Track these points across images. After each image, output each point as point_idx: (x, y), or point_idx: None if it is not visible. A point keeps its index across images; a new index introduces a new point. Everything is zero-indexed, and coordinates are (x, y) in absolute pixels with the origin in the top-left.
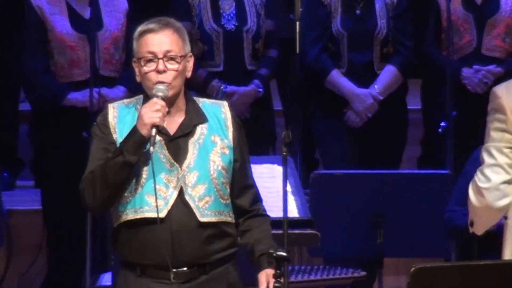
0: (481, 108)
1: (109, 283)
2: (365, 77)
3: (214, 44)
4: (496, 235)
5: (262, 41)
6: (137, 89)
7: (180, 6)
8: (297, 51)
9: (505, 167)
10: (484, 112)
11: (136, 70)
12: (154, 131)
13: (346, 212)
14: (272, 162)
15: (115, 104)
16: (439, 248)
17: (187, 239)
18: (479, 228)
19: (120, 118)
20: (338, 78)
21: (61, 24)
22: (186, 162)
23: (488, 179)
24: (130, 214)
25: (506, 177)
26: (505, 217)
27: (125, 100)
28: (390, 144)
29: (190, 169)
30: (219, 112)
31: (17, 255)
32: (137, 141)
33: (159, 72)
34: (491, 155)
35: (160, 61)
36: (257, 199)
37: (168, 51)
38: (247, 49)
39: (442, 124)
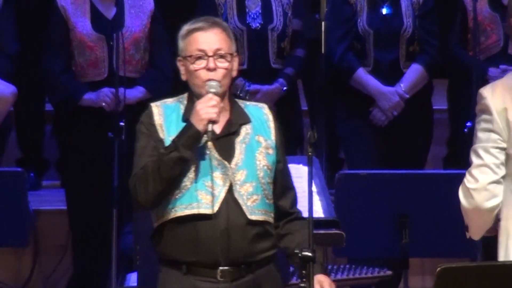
0: None
1: (135, 283)
2: (391, 76)
3: (238, 42)
4: None
5: (289, 40)
6: (157, 90)
7: (206, 5)
8: (323, 51)
9: (492, 167)
10: None
11: (182, 68)
12: (210, 126)
13: (371, 212)
14: (298, 162)
15: (158, 103)
16: (464, 248)
17: (236, 237)
18: (475, 232)
19: (165, 116)
20: (364, 76)
21: (82, 25)
22: (234, 160)
23: (476, 179)
24: (179, 211)
25: (494, 177)
26: (499, 219)
27: (168, 100)
28: (415, 144)
29: (238, 167)
30: (261, 113)
31: (43, 255)
32: (193, 136)
33: (209, 70)
34: (478, 156)
35: (211, 59)
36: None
37: (218, 49)
38: (271, 47)
39: (468, 124)
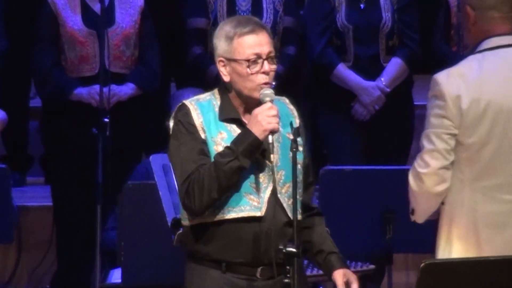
0: None
1: (118, 279)
2: (371, 70)
3: None
4: None
5: (279, 38)
6: (147, 87)
7: (197, 3)
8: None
9: (443, 152)
10: None
11: (224, 69)
12: (271, 138)
13: (355, 207)
14: None
15: (192, 101)
16: None
17: (278, 237)
18: (420, 215)
19: (203, 115)
20: (344, 71)
21: (72, 20)
22: (274, 161)
23: (427, 164)
24: (227, 213)
25: (444, 162)
26: (442, 203)
27: (200, 97)
28: (397, 138)
29: (278, 168)
30: (286, 109)
31: (27, 251)
32: (253, 145)
33: (264, 73)
34: (430, 141)
35: (265, 62)
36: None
37: (270, 52)
38: None
39: None
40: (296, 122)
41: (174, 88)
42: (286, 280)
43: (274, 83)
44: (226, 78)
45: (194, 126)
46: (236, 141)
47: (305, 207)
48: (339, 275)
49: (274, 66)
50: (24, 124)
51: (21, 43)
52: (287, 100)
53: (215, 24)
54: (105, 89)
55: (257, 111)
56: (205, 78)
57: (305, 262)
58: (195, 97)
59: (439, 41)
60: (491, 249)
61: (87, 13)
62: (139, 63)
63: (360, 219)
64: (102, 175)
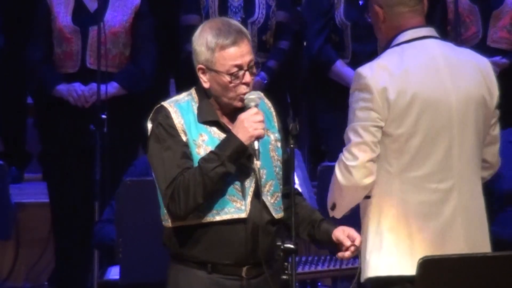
0: None
1: (116, 276)
2: None
3: None
4: None
5: (272, 33)
6: (133, 88)
7: (189, 0)
8: (305, 43)
9: (371, 145)
10: None
11: (204, 77)
12: (257, 144)
13: None
14: None
15: (171, 103)
16: None
17: (262, 236)
18: (341, 210)
19: (183, 117)
20: (342, 68)
21: (63, 15)
22: (255, 160)
23: (355, 157)
24: (211, 216)
25: (372, 155)
26: (368, 196)
27: (178, 98)
28: None
29: (260, 167)
30: (263, 104)
31: (25, 248)
32: (239, 151)
33: (245, 84)
34: (357, 133)
35: (247, 73)
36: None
37: (250, 61)
38: (252, 41)
39: None
40: (273, 115)
41: (173, 85)
42: (284, 277)
43: (266, 80)
44: (205, 85)
45: (175, 128)
46: (221, 146)
47: (285, 197)
48: (339, 232)
49: (254, 74)
50: (22, 121)
51: (19, 39)
52: (262, 95)
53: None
54: (88, 87)
55: (243, 116)
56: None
57: (304, 258)
58: (173, 98)
59: None
60: (422, 239)
61: (79, 10)
62: (130, 62)
63: (357, 214)
64: (100, 172)
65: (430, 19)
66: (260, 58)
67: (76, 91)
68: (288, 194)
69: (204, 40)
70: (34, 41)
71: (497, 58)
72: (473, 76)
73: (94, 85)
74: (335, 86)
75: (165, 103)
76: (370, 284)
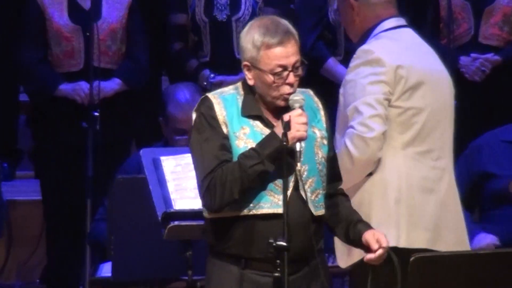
0: (480, 97)
1: (108, 273)
2: None
3: (202, 35)
4: None
5: None
6: (134, 82)
7: None
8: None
9: (384, 118)
10: (483, 102)
11: (249, 73)
12: (298, 145)
13: None
14: None
15: (215, 94)
16: None
17: (300, 233)
18: (345, 187)
19: (226, 110)
20: (335, 66)
21: (58, 15)
22: (299, 163)
23: (371, 129)
24: (247, 210)
25: (385, 128)
26: (371, 174)
27: (224, 90)
28: None
29: (301, 163)
30: (312, 101)
31: (17, 245)
32: (279, 151)
33: (289, 84)
34: (371, 106)
35: (291, 74)
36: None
37: (296, 62)
38: (236, 38)
39: None
40: (322, 114)
41: (166, 82)
42: (276, 274)
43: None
44: (250, 82)
45: (216, 120)
46: (263, 144)
47: (329, 196)
48: (369, 234)
49: (298, 74)
50: (14, 118)
51: (9, 37)
52: (311, 92)
53: (192, 19)
54: (94, 85)
55: (286, 117)
56: (185, 73)
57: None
58: (219, 90)
59: (427, 35)
60: (426, 212)
61: (73, 8)
62: (127, 58)
63: None
64: (92, 169)
65: (422, 17)
66: None
67: (83, 90)
68: (329, 193)
69: (251, 37)
70: (28, 43)
71: (489, 55)
72: (443, 66)
73: (100, 83)
74: (325, 84)
75: (210, 94)
76: None
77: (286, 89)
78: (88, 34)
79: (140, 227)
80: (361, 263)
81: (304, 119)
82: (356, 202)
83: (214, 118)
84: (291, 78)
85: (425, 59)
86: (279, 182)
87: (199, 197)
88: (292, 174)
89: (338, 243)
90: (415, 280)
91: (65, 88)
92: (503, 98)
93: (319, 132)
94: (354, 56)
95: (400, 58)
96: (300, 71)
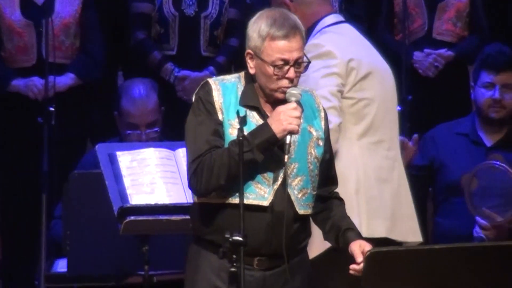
0: (434, 92)
1: (64, 269)
2: None
3: (170, 28)
4: None
5: (223, 29)
6: (88, 77)
7: None
8: None
9: (339, 110)
10: (437, 96)
11: (251, 62)
12: (289, 138)
13: None
14: None
15: (216, 80)
16: None
17: (281, 230)
18: None
19: (224, 97)
20: None
21: (10, 10)
22: (287, 155)
23: (328, 121)
24: (233, 198)
25: (341, 119)
26: None
27: (226, 77)
28: None
29: (291, 160)
30: (312, 101)
31: None
32: (270, 142)
33: (289, 79)
34: (326, 99)
35: (292, 69)
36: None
37: (299, 58)
38: (203, 35)
39: (398, 108)
40: (321, 116)
41: (121, 77)
42: (233, 269)
43: (215, 74)
44: (251, 71)
45: (213, 105)
46: (254, 133)
47: (321, 198)
48: (355, 246)
49: (300, 69)
50: None
51: None
52: (314, 92)
53: (159, 10)
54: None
55: (281, 108)
56: (147, 64)
57: None
58: (221, 77)
59: (382, 30)
60: (384, 202)
61: (26, 3)
62: (81, 52)
63: None
64: (48, 164)
65: (376, 12)
66: (210, 53)
67: (36, 86)
68: (323, 196)
69: (258, 26)
70: None
71: (442, 51)
72: (383, 60)
73: (53, 78)
74: None
75: (211, 80)
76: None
77: (285, 82)
78: (40, 29)
79: (96, 223)
80: (323, 255)
81: (297, 113)
82: None
83: (211, 103)
84: (291, 73)
85: (369, 52)
86: (267, 175)
87: (155, 192)
88: (281, 165)
89: None
90: (371, 274)
91: (17, 83)
92: (456, 93)
93: (316, 133)
94: (304, 51)
95: (349, 50)
96: (302, 68)
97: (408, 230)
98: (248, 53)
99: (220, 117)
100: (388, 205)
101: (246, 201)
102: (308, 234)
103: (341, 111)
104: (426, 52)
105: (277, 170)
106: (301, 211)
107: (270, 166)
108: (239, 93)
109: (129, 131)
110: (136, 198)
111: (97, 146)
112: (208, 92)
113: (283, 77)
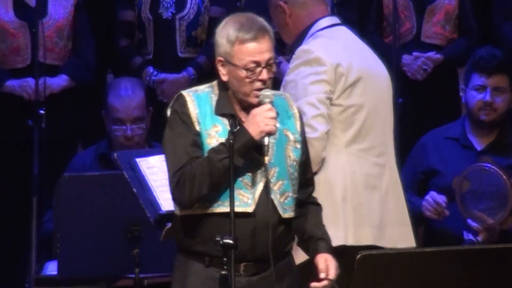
0: (425, 95)
1: (54, 271)
2: None
3: (147, 32)
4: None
5: (204, 28)
6: (80, 78)
7: None
8: None
9: (326, 117)
10: (426, 99)
11: (222, 69)
12: (267, 140)
13: None
14: None
15: (189, 92)
16: None
17: (266, 235)
18: None
19: (199, 108)
20: (282, 66)
21: (4, 11)
22: (267, 157)
23: (315, 129)
24: (216, 207)
25: (328, 127)
26: (315, 173)
27: (198, 88)
28: None
29: (271, 165)
30: (286, 104)
31: None
32: (248, 145)
33: (261, 81)
34: (314, 106)
35: (264, 70)
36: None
37: (269, 59)
38: (180, 36)
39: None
40: (296, 118)
41: (112, 80)
42: (223, 272)
43: (194, 75)
44: (224, 78)
45: (189, 117)
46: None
47: (301, 204)
48: (321, 258)
49: (272, 71)
50: None
51: None
52: (288, 96)
53: (138, 16)
54: (40, 82)
55: (256, 111)
56: (130, 70)
57: None
58: (194, 88)
59: (371, 33)
60: (371, 209)
61: (19, 5)
62: (73, 55)
63: None
64: (38, 167)
65: (365, 14)
66: (190, 53)
67: (30, 87)
68: (301, 200)
69: (226, 32)
70: None
71: (431, 54)
72: (380, 63)
73: (46, 79)
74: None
75: (184, 92)
76: None
77: (258, 85)
78: (34, 30)
79: (87, 225)
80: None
81: (272, 113)
82: None
83: (187, 115)
84: (264, 74)
85: (362, 56)
86: (249, 181)
87: None
88: (260, 169)
89: None
90: (361, 277)
91: (11, 84)
92: (446, 96)
93: (292, 136)
94: (294, 56)
95: (339, 56)
96: (274, 69)
97: (399, 236)
98: (219, 61)
99: (197, 127)
100: (376, 212)
101: (228, 209)
102: (292, 237)
103: (329, 119)
104: (414, 55)
105: (258, 176)
106: (285, 214)
107: (251, 172)
108: (214, 102)
109: (114, 126)
110: (165, 204)
111: (116, 154)
112: (182, 104)
113: (256, 79)
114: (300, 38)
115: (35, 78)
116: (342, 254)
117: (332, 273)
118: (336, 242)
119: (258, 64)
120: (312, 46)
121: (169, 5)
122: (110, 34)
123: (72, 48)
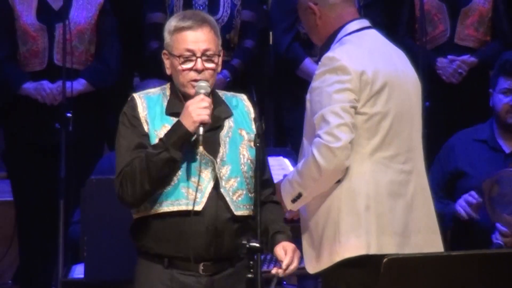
0: (456, 98)
1: (81, 274)
2: None
3: None
4: (469, 225)
5: (236, 31)
6: (100, 83)
7: None
8: (271, 42)
9: (351, 126)
10: (458, 103)
11: (167, 62)
12: (201, 129)
13: None
14: (278, 154)
15: (141, 94)
16: None
17: (221, 233)
18: (307, 199)
19: (149, 109)
20: (311, 66)
21: (26, 14)
22: (220, 155)
23: (338, 138)
24: (165, 206)
25: (352, 136)
26: (339, 181)
27: (150, 91)
28: None
29: (223, 163)
30: (242, 105)
31: None
32: (183, 137)
33: (197, 71)
34: (338, 115)
35: (199, 60)
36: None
37: (206, 50)
38: None
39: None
40: (251, 117)
41: (138, 82)
42: (250, 275)
43: (229, 78)
44: (168, 71)
45: (137, 119)
46: (168, 133)
47: (260, 204)
48: (279, 248)
49: (211, 65)
50: None
51: None
52: (244, 97)
53: None
54: (56, 85)
55: (189, 103)
56: (163, 72)
57: (268, 257)
58: (146, 90)
59: (403, 35)
60: (395, 218)
61: (42, 7)
62: (95, 59)
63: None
64: (65, 170)
65: (397, 17)
66: (224, 56)
67: (44, 90)
68: (263, 201)
69: (168, 24)
70: None
71: (465, 57)
72: (410, 66)
73: (65, 83)
74: (301, 84)
75: (136, 94)
76: (348, 264)
77: (193, 75)
78: (55, 33)
79: (113, 228)
80: (330, 269)
81: (205, 103)
82: (324, 209)
83: (135, 117)
84: (198, 64)
85: (388, 61)
86: (196, 179)
87: None
88: (210, 167)
89: (307, 248)
90: (387, 281)
91: (28, 87)
92: (477, 99)
93: (248, 135)
94: (320, 63)
95: (365, 64)
96: (213, 63)
97: (425, 243)
98: (164, 54)
99: (146, 128)
100: (400, 219)
101: (177, 208)
102: (251, 236)
103: (354, 127)
104: (449, 59)
105: (208, 174)
106: (238, 212)
107: (199, 171)
108: (165, 103)
109: None
110: None
111: None
112: (133, 107)
113: (191, 69)
114: (329, 41)
115: (52, 81)
116: (365, 263)
117: (286, 258)
118: (358, 251)
119: (193, 53)
120: (337, 54)
121: (201, 8)
122: (137, 36)
123: (95, 52)
